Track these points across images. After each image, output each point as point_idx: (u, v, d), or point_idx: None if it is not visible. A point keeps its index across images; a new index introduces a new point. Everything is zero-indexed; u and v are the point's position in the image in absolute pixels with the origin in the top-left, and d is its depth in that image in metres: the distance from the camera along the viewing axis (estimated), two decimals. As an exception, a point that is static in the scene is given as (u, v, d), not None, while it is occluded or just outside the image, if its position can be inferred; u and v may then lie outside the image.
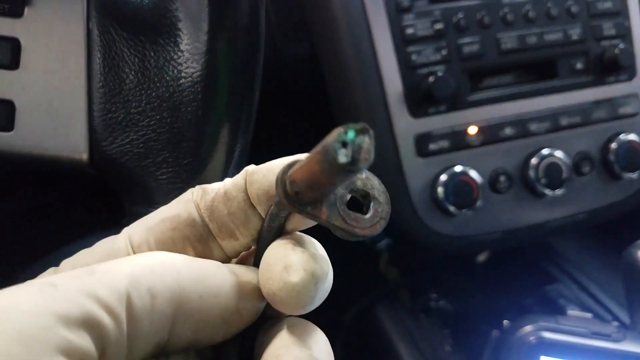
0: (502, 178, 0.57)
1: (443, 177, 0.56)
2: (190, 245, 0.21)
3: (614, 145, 0.59)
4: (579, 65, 0.59)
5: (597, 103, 0.60)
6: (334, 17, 0.55)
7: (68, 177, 0.29)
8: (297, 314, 0.20)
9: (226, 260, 0.22)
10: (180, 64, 0.27)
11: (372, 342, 0.72)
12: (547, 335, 0.45)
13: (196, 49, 0.27)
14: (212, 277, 0.19)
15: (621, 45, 0.59)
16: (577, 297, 0.69)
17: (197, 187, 0.22)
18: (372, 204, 0.18)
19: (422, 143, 0.56)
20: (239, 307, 0.19)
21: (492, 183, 0.57)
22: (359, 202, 0.19)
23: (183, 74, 0.27)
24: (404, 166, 0.56)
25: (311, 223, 0.20)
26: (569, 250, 0.76)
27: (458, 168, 0.56)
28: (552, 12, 0.58)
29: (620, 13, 0.60)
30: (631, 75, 0.61)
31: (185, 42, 0.27)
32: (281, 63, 0.61)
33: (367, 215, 0.18)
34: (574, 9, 0.59)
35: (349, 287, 0.79)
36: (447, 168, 0.56)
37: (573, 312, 0.48)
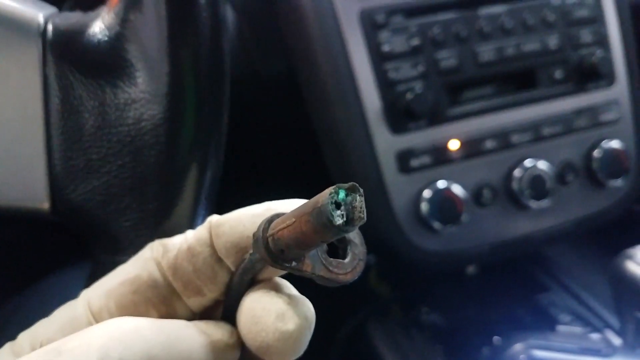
0: (486, 191, 0.56)
1: (426, 193, 0.55)
2: (153, 308, 0.20)
3: (596, 153, 0.59)
4: (558, 74, 0.59)
5: (578, 111, 0.60)
6: (309, 35, 0.55)
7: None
8: None
9: (191, 317, 0.21)
10: (142, 106, 0.26)
11: (364, 359, 0.71)
12: (537, 353, 0.44)
13: (158, 90, 0.26)
14: (182, 340, 0.18)
15: (599, 53, 0.59)
16: (569, 305, 0.69)
17: (157, 242, 0.21)
18: (348, 247, 0.19)
19: (403, 159, 0.55)
20: None
21: (476, 197, 0.56)
22: (335, 247, 0.19)
23: (145, 117, 0.26)
24: (386, 183, 0.55)
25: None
26: (559, 258, 0.76)
27: (441, 183, 0.55)
28: (529, 22, 0.58)
29: (597, 20, 0.60)
30: (610, 82, 0.61)
31: (147, 83, 0.26)
32: (257, 81, 0.61)
33: (347, 260, 0.18)
34: (550, 18, 0.59)
35: (339, 304, 0.78)
36: (430, 184, 0.55)
37: (563, 327, 0.47)
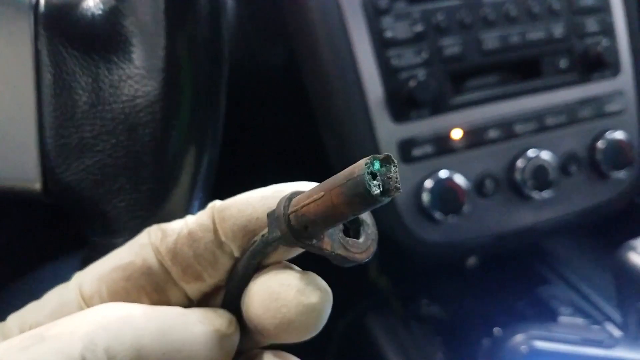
0: (488, 182, 0.55)
1: (428, 183, 0.54)
2: (145, 295, 0.19)
3: (600, 144, 0.58)
4: (563, 64, 0.58)
5: (583, 101, 0.59)
6: (310, 21, 0.54)
7: (23, 204, 0.27)
8: (304, 340, 0.19)
9: (188, 305, 0.20)
10: (137, 82, 0.25)
11: (364, 353, 0.71)
12: (539, 343, 0.44)
13: (153, 66, 0.25)
14: (175, 329, 0.17)
15: (605, 42, 0.58)
16: (569, 298, 0.68)
17: (155, 227, 0.20)
18: (362, 228, 0.19)
19: (405, 149, 0.54)
20: (210, 357, 0.18)
21: (478, 187, 0.55)
22: (347, 228, 0.19)
23: (140, 93, 0.25)
24: (388, 173, 0.54)
25: (296, 253, 0.20)
26: (560, 250, 0.75)
27: (443, 173, 0.54)
28: (534, 10, 0.57)
29: (603, 9, 0.59)
30: (615, 72, 0.60)
31: (142, 59, 0.26)
32: (257, 69, 0.60)
33: (361, 240, 0.18)
34: (555, 6, 0.58)
35: (339, 297, 0.78)
36: (432, 173, 0.54)
37: (564, 318, 0.47)
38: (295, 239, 0.17)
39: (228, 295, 0.20)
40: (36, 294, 0.22)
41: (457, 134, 0.55)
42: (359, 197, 0.15)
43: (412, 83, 0.53)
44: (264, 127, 0.67)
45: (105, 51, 0.26)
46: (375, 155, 0.15)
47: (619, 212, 0.62)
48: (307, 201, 0.17)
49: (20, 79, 0.25)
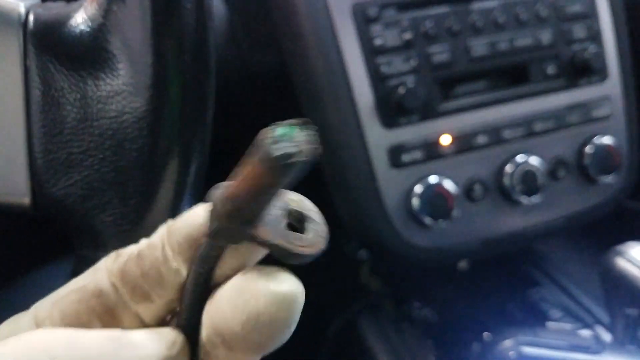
0: (477, 187, 0.56)
1: (418, 188, 0.55)
2: (97, 317, 0.19)
3: (588, 149, 0.59)
4: (550, 70, 0.59)
5: (570, 107, 0.59)
6: (300, 28, 0.54)
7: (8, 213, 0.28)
8: (276, 347, 0.17)
9: (142, 327, 0.19)
10: (124, 99, 0.26)
11: (355, 355, 0.71)
12: (527, 349, 0.44)
13: (140, 82, 0.26)
14: (105, 357, 0.16)
15: (592, 48, 0.59)
16: (560, 300, 0.69)
17: (113, 252, 0.20)
18: (309, 225, 0.18)
19: (395, 154, 0.55)
20: None
21: (467, 192, 0.56)
22: (294, 227, 0.18)
23: (127, 109, 0.26)
24: (377, 178, 0.55)
25: (251, 260, 0.19)
26: (550, 253, 0.76)
27: (432, 178, 0.55)
28: (522, 17, 0.58)
29: (590, 15, 0.60)
30: (603, 78, 0.60)
31: (129, 75, 0.26)
32: (248, 74, 0.60)
33: (309, 235, 0.18)
34: (543, 13, 0.58)
35: (331, 299, 0.78)
36: (422, 179, 0.55)
37: (553, 323, 0.47)
38: (229, 226, 0.17)
39: (182, 312, 0.19)
40: (25, 301, 0.22)
41: (446, 139, 0.56)
42: (266, 162, 0.15)
43: (401, 90, 0.53)
44: (255, 133, 0.67)
45: (93, 68, 0.26)
46: (289, 120, 0.15)
47: (609, 216, 0.63)
48: (232, 184, 0.16)
49: (9, 94, 0.26)
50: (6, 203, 0.26)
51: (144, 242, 0.19)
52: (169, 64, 0.27)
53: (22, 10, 0.27)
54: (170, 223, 0.19)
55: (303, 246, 0.17)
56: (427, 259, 0.58)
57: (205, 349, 0.18)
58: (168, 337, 0.18)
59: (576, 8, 0.59)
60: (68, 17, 0.27)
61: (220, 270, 0.18)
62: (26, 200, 0.26)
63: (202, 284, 0.18)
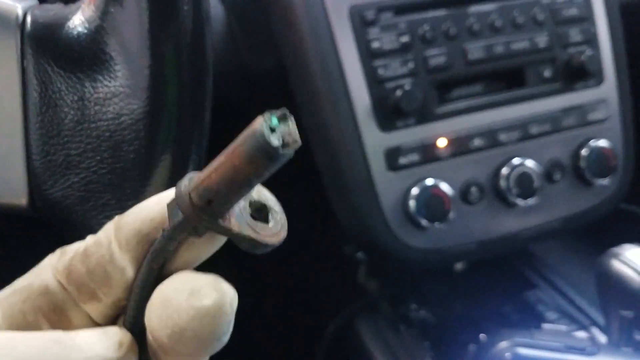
0: (474, 189, 0.56)
1: (414, 191, 0.55)
2: (44, 317, 0.18)
3: (584, 151, 0.59)
4: (547, 73, 0.59)
5: (566, 110, 0.60)
6: (298, 31, 0.54)
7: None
8: (211, 353, 0.17)
9: (91, 326, 0.19)
10: (122, 100, 0.26)
11: (352, 356, 0.71)
12: (522, 351, 0.44)
13: (138, 84, 0.26)
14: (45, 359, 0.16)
15: (588, 52, 0.59)
16: (556, 302, 0.69)
17: (58, 249, 0.19)
18: (271, 215, 0.18)
19: (392, 157, 0.55)
20: None
21: (463, 195, 0.56)
22: (254, 217, 0.18)
23: (125, 111, 0.26)
24: (374, 181, 0.55)
25: (206, 253, 0.18)
26: (547, 255, 0.76)
27: (429, 181, 0.55)
28: (518, 21, 0.58)
29: (586, 19, 0.60)
30: (599, 81, 0.61)
31: (127, 77, 0.26)
32: (246, 77, 0.60)
33: (271, 225, 0.18)
34: (540, 16, 0.58)
35: (328, 300, 0.78)
36: (418, 181, 0.55)
37: (549, 325, 0.48)
38: (198, 218, 0.16)
39: (130, 310, 0.18)
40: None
41: (442, 142, 0.56)
42: (261, 151, 0.15)
43: (398, 93, 0.53)
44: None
45: (90, 69, 0.26)
46: (271, 111, 0.15)
47: (605, 219, 0.63)
48: (207, 172, 0.16)
49: (6, 96, 0.26)
50: (4, 204, 0.26)
51: (90, 239, 0.19)
52: (166, 65, 0.27)
53: (20, 11, 0.27)
54: (117, 218, 0.18)
55: (269, 236, 0.17)
56: (423, 261, 0.58)
57: (151, 349, 0.18)
58: (114, 338, 0.17)
59: (572, 12, 0.59)
60: (65, 19, 0.27)
61: (172, 266, 0.18)
62: (24, 200, 0.26)
63: (152, 281, 0.18)
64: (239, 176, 0.15)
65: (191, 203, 0.16)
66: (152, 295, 0.17)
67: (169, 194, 0.18)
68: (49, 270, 0.18)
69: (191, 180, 0.16)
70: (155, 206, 0.18)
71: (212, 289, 0.16)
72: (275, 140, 0.15)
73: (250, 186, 0.16)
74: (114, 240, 0.18)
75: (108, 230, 0.18)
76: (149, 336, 0.17)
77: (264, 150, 0.15)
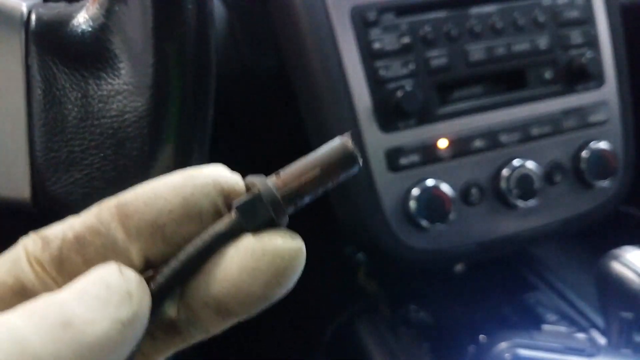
0: (474, 190, 0.56)
1: (415, 191, 0.55)
2: None
3: (584, 153, 0.59)
4: (547, 75, 0.59)
5: (567, 112, 0.60)
6: (300, 32, 0.55)
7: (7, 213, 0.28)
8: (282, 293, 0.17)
9: None
10: (125, 98, 0.26)
11: (352, 357, 0.71)
12: (522, 351, 0.44)
13: (141, 82, 0.26)
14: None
15: (589, 54, 0.59)
16: (555, 304, 0.69)
17: (32, 234, 0.17)
18: None
19: (393, 158, 0.55)
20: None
21: (464, 196, 0.56)
22: None
23: (128, 109, 0.26)
24: (375, 181, 0.55)
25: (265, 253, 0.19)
26: (546, 257, 0.76)
27: (430, 182, 0.55)
28: (520, 23, 0.58)
29: (587, 21, 0.60)
30: (599, 83, 0.61)
31: (130, 75, 0.26)
32: (248, 77, 0.61)
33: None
34: (541, 18, 0.59)
35: (328, 302, 0.78)
36: (419, 182, 0.55)
37: (549, 326, 0.48)
38: (283, 216, 0.18)
39: (170, 271, 0.17)
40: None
41: (443, 143, 0.56)
42: (349, 165, 0.18)
43: (399, 94, 0.54)
44: (254, 134, 0.68)
45: (94, 67, 0.26)
46: (339, 136, 0.18)
47: (605, 221, 0.64)
48: (303, 179, 0.18)
49: (11, 93, 0.26)
50: (6, 197, 0.26)
51: (79, 224, 0.17)
52: (170, 63, 0.27)
53: (24, 9, 0.27)
54: (118, 202, 0.17)
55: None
56: (423, 262, 0.58)
57: (190, 308, 0.17)
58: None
59: (573, 14, 0.60)
60: (70, 17, 0.27)
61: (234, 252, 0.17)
62: (27, 196, 0.26)
63: (203, 257, 0.17)
64: (323, 185, 0.18)
65: (283, 192, 0.18)
66: (226, 258, 0.17)
67: (181, 179, 0.17)
68: (24, 264, 0.17)
69: (273, 182, 0.18)
70: (172, 197, 0.17)
71: (289, 236, 0.17)
72: (359, 157, 0.18)
73: (324, 189, 0.19)
74: (118, 227, 0.17)
75: (103, 215, 0.17)
76: (203, 297, 0.17)
77: (351, 164, 0.18)
